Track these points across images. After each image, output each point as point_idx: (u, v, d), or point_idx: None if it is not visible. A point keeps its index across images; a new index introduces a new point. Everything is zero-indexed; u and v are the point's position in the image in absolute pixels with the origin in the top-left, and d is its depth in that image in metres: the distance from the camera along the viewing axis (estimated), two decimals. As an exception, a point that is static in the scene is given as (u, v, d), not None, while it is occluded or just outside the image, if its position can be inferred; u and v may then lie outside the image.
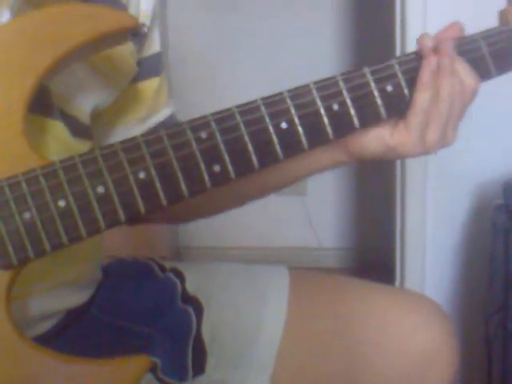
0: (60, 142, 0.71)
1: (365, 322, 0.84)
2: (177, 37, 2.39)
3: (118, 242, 0.92)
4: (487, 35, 0.70)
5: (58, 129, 0.70)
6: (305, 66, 2.36)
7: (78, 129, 0.74)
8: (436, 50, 0.68)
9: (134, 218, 0.61)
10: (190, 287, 0.87)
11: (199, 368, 0.81)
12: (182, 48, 2.38)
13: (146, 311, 0.84)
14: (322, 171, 0.79)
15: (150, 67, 0.82)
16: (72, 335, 0.77)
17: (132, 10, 0.78)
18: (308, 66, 2.36)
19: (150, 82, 0.83)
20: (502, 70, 0.71)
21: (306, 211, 2.52)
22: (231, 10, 2.46)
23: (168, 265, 0.91)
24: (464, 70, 0.68)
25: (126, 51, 0.76)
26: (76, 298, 0.78)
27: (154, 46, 0.83)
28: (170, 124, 0.84)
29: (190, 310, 0.84)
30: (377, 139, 0.71)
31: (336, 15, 2.47)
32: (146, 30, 0.78)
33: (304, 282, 0.89)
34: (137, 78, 0.81)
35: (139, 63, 0.80)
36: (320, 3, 2.46)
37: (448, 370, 0.84)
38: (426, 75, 0.67)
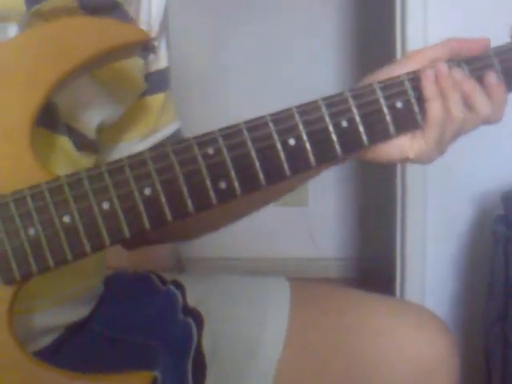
0: (65, 156, 0.71)
1: (366, 336, 0.84)
2: (175, 47, 2.39)
3: (119, 254, 0.91)
4: (500, 51, 0.69)
5: (63, 143, 0.70)
6: (304, 77, 2.37)
7: (83, 143, 0.73)
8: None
9: (138, 235, 0.61)
10: (191, 299, 0.86)
11: (199, 381, 0.81)
12: (180, 58, 2.37)
13: (146, 324, 0.84)
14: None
15: (156, 83, 0.82)
16: (73, 349, 0.77)
17: (143, 26, 0.78)
18: (308, 76, 2.37)
19: (156, 98, 0.82)
20: None
21: (306, 222, 2.52)
22: (230, 20, 2.46)
23: (168, 277, 0.90)
24: (502, 105, 0.69)
25: (135, 67, 0.76)
26: (78, 313, 0.78)
27: (160, 61, 0.82)
28: (175, 139, 0.83)
29: (191, 322, 0.84)
30: (397, 149, 0.70)
31: (337, 32, 2.47)
32: (156, 44, 0.78)
33: (305, 295, 0.88)
34: (144, 93, 0.80)
35: (145, 78, 0.80)
36: (321, 15, 2.46)
37: None
38: (427, 85, 0.67)
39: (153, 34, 0.79)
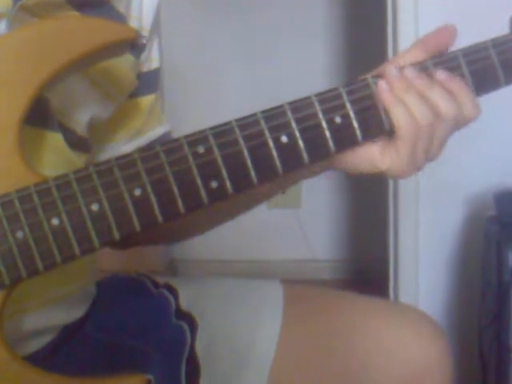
0: (58, 154, 0.70)
1: (358, 339, 0.84)
2: (169, 49, 2.39)
3: (111, 256, 0.91)
4: (497, 43, 0.67)
5: (56, 140, 0.70)
6: (298, 78, 2.37)
7: (74, 141, 0.73)
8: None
9: (128, 236, 0.60)
10: (184, 303, 0.86)
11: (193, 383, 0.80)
12: (170, 58, 2.37)
13: (140, 327, 0.84)
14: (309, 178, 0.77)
15: (147, 83, 0.82)
16: (66, 352, 0.76)
17: (134, 23, 0.77)
18: (302, 77, 2.37)
19: (146, 99, 0.82)
20: (511, 79, 0.68)
21: (300, 223, 2.52)
22: (219, 18, 2.46)
23: (161, 280, 0.90)
24: (467, 99, 0.66)
25: (125, 64, 0.75)
26: (70, 315, 0.77)
27: (152, 61, 0.82)
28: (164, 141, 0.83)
29: (184, 325, 0.84)
30: (368, 162, 0.68)
31: (328, 30, 2.48)
32: (144, 41, 0.77)
33: (298, 298, 0.88)
34: (134, 94, 0.80)
35: (137, 78, 0.79)
36: (311, 12, 2.47)
37: None
38: (381, 94, 0.65)
39: (144, 32, 0.79)
